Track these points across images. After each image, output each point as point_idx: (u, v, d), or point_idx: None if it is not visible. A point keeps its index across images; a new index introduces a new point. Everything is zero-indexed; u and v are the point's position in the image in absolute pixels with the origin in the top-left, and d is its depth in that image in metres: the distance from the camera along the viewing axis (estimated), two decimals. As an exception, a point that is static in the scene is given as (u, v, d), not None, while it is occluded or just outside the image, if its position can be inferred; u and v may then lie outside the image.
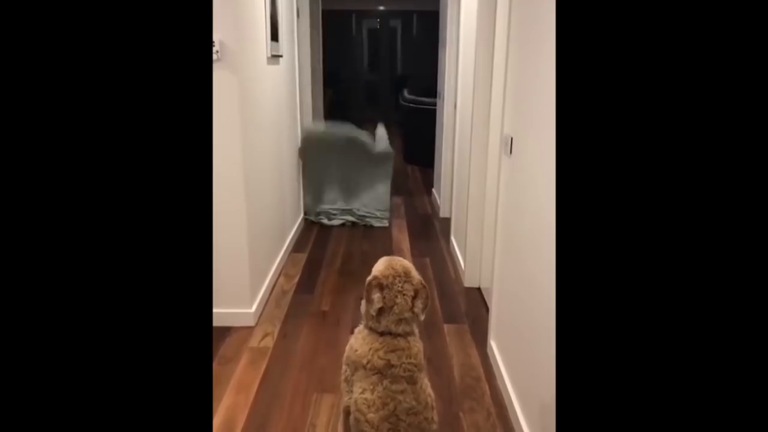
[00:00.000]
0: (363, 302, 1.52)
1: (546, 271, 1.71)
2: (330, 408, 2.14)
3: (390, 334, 1.47)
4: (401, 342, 1.47)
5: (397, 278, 1.47)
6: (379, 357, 1.45)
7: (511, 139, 2.19)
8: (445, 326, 2.82)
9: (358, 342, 1.52)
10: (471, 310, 3.02)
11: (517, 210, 2.07)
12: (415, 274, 1.52)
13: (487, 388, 2.29)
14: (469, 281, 3.31)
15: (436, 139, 5.41)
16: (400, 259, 1.55)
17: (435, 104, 5.61)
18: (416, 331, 1.54)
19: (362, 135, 4.64)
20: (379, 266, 1.52)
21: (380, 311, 1.46)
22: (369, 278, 1.49)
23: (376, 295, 1.46)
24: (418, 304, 1.49)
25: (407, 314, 1.47)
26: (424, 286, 1.50)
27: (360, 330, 1.56)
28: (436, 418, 1.49)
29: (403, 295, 1.46)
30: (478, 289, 3.28)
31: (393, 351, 1.45)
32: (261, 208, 3.00)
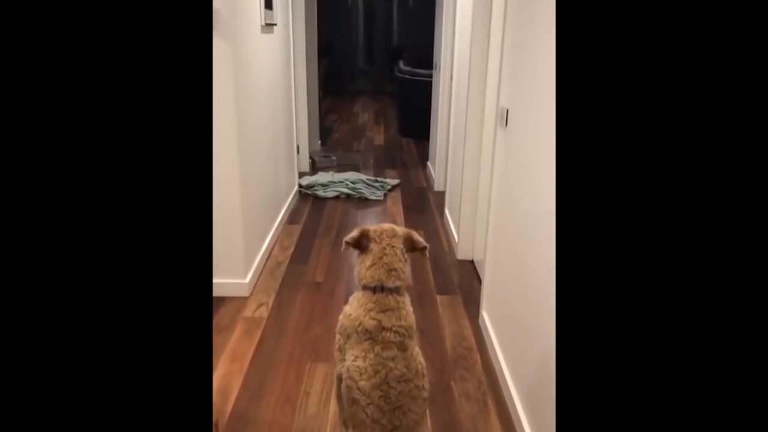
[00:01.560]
0: (357, 262, 1.59)
1: (540, 243, 1.72)
2: (324, 377, 2.17)
3: (382, 290, 1.51)
4: (392, 301, 1.50)
5: (384, 233, 1.57)
6: (371, 317, 1.48)
7: (507, 111, 2.18)
8: (438, 297, 2.85)
9: (353, 306, 1.55)
10: (464, 282, 3.05)
11: (512, 182, 2.07)
12: (400, 230, 1.60)
13: (478, 357, 2.33)
14: (462, 254, 3.33)
15: (431, 111, 5.38)
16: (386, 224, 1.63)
17: (431, 76, 5.56)
18: (407, 297, 1.58)
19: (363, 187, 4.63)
20: (366, 227, 1.61)
21: (372, 265, 1.53)
22: (356, 233, 1.57)
23: (371, 245, 1.55)
24: (413, 240, 1.60)
25: (398, 264, 1.53)
26: (410, 235, 1.61)
27: (354, 295, 1.59)
28: (427, 386, 1.52)
29: (392, 247, 1.54)
30: (471, 261, 3.31)
31: (384, 311, 1.49)
32: (255, 178, 2.99)
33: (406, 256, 1.60)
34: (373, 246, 1.57)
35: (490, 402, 2.04)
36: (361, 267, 1.59)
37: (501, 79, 2.29)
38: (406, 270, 1.58)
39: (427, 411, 1.51)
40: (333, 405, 2.00)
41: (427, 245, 1.61)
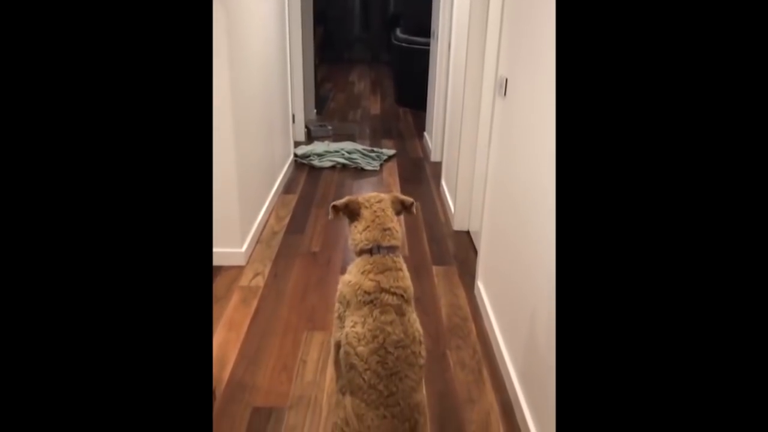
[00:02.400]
0: (350, 230, 1.63)
1: (537, 214, 1.72)
2: (320, 345, 2.19)
3: (379, 250, 1.54)
4: (389, 261, 1.53)
5: (372, 198, 1.63)
6: (369, 279, 1.50)
7: (506, 80, 2.15)
8: (434, 268, 2.86)
9: (351, 273, 1.58)
10: (459, 252, 3.06)
11: (510, 152, 2.06)
12: (385, 195, 1.65)
13: (473, 327, 2.35)
14: (458, 224, 3.33)
15: (429, 80, 5.31)
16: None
17: (428, 44, 5.46)
18: (403, 261, 1.59)
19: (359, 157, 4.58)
20: (355, 196, 1.66)
21: (365, 228, 1.58)
22: (346, 200, 1.61)
23: (361, 211, 1.60)
24: (401, 200, 1.65)
25: (391, 224, 1.58)
26: (396, 196, 1.66)
27: (352, 263, 1.61)
28: (423, 353, 1.53)
29: (382, 210, 1.60)
30: (467, 232, 3.31)
31: (383, 272, 1.51)
32: (250, 147, 2.96)
33: (396, 218, 1.63)
34: (363, 211, 1.61)
35: (484, 371, 2.07)
36: (354, 233, 1.62)
37: (500, 47, 2.26)
38: (399, 230, 1.61)
39: (423, 378, 1.53)
40: (330, 372, 2.02)
41: (412, 200, 1.65)
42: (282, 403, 1.88)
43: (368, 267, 1.53)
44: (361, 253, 1.59)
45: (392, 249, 1.57)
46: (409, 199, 1.67)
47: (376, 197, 1.63)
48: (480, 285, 2.51)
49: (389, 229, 1.58)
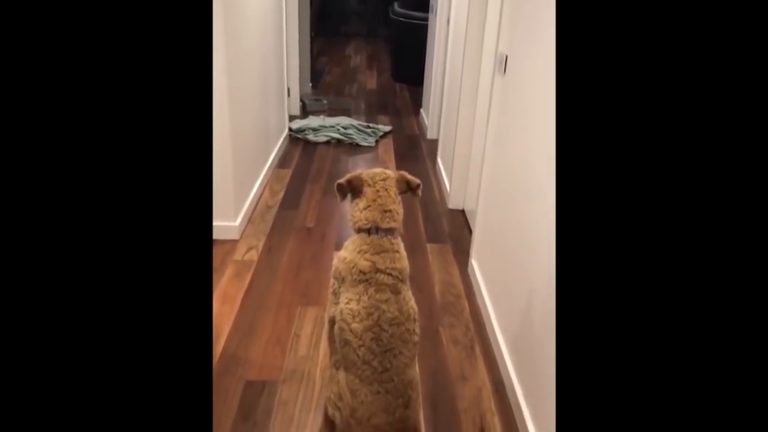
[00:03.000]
0: (351, 206, 1.61)
1: (535, 193, 1.71)
2: (314, 320, 2.20)
3: (377, 232, 1.52)
4: (386, 243, 1.52)
5: (377, 176, 1.59)
6: (365, 259, 1.50)
7: (506, 57, 2.12)
8: (428, 246, 2.86)
9: (348, 250, 1.57)
10: (454, 231, 3.06)
11: (509, 131, 2.04)
12: (392, 172, 1.62)
13: (466, 305, 2.36)
14: (453, 203, 3.32)
15: (426, 56, 5.25)
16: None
17: (427, 19, 5.38)
18: (401, 243, 1.59)
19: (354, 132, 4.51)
20: (359, 172, 1.63)
21: (366, 207, 1.55)
22: (350, 176, 1.58)
23: (364, 188, 1.57)
24: (407, 180, 1.63)
25: (392, 206, 1.56)
26: (403, 175, 1.64)
27: (349, 239, 1.60)
28: (418, 330, 1.54)
29: (386, 189, 1.57)
30: (462, 211, 3.31)
31: (379, 253, 1.50)
32: (245, 120, 2.92)
33: (399, 198, 1.61)
34: (366, 189, 1.58)
35: (477, 348, 2.08)
36: (354, 210, 1.60)
37: (501, 23, 2.22)
38: (400, 212, 1.60)
39: (416, 355, 1.54)
40: (323, 347, 2.03)
41: (419, 182, 1.63)
42: (275, 376, 1.89)
43: (365, 247, 1.52)
44: (359, 231, 1.58)
45: (390, 231, 1.56)
46: (415, 180, 1.65)
47: (382, 174, 1.60)
48: (474, 263, 2.51)
49: (390, 210, 1.56)
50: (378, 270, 1.50)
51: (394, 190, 1.61)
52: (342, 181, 1.61)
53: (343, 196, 1.64)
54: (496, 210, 2.17)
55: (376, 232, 1.55)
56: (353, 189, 1.62)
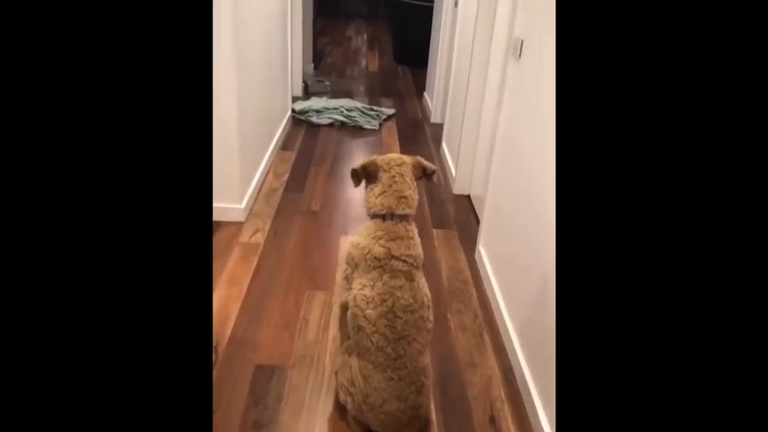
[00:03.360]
0: (365, 192, 1.60)
1: (546, 181, 1.70)
2: (322, 305, 2.19)
3: (392, 218, 1.51)
4: (401, 229, 1.51)
5: (392, 161, 1.57)
6: (380, 245, 1.49)
7: (522, 42, 2.09)
8: (434, 231, 2.85)
9: (361, 236, 1.56)
10: (459, 216, 3.04)
11: (522, 117, 2.02)
12: (407, 157, 1.61)
13: (474, 291, 2.36)
14: (459, 188, 3.30)
15: (431, 39, 5.18)
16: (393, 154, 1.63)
17: (431, 0, 5.30)
18: (415, 229, 1.58)
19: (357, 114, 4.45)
20: (374, 156, 1.61)
21: (381, 193, 1.54)
22: (366, 162, 1.56)
23: (379, 174, 1.55)
24: (423, 166, 1.62)
25: (408, 192, 1.55)
26: (419, 160, 1.63)
27: (363, 225, 1.59)
28: (431, 317, 1.53)
29: (401, 175, 1.55)
30: (468, 196, 3.29)
31: (394, 240, 1.49)
32: (251, 100, 2.88)
33: (415, 184, 1.59)
34: (382, 174, 1.57)
35: (486, 335, 2.08)
36: (369, 195, 1.58)
37: (516, 6, 2.18)
38: (416, 198, 1.58)
39: (429, 342, 1.53)
40: (332, 332, 2.03)
41: (435, 168, 1.62)
42: (284, 361, 1.88)
43: (380, 233, 1.51)
44: (373, 216, 1.57)
45: (405, 217, 1.55)
46: (432, 166, 1.64)
47: (398, 159, 1.58)
48: (482, 250, 2.50)
49: (405, 196, 1.55)
50: (393, 256, 1.49)
51: (410, 176, 1.59)
52: (357, 166, 1.59)
53: (358, 182, 1.62)
54: (507, 197, 2.15)
55: (391, 218, 1.54)
56: (368, 174, 1.60)
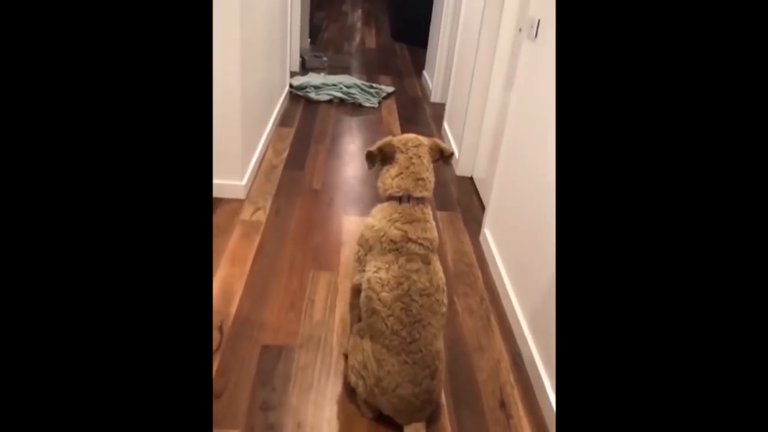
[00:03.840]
0: (381, 173, 1.56)
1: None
2: (327, 285, 2.16)
3: (408, 200, 1.48)
4: (418, 212, 1.48)
5: (410, 142, 1.53)
6: (396, 228, 1.46)
7: (539, 21, 2.03)
8: (438, 213, 2.82)
9: (376, 218, 1.52)
10: (463, 198, 3.01)
11: (535, 100, 1.98)
12: (425, 139, 1.56)
13: (479, 274, 2.34)
14: (462, 170, 3.27)
15: (432, 16, 5.09)
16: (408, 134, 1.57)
17: (433, -23, 5.19)
18: (431, 212, 1.55)
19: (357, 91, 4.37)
20: (389, 137, 1.56)
21: (398, 174, 1.50)
22: (382, 143, 1.53)
23: (396, 155, 1.51)
24: (441, 148, 1.57)
25: (425, 174, 1.51)
26: (437, 142, 1.57)
27: (377, 207, 1.56)
28: (446, 301, 1.51)
29: (419, 156, 1.51)
30: (470, 178, 3.26)
31: (410, 222, 1.47)
32: (254, 74, 2.80)
33: (432, 166, 1.55)
34: (399, 155, 1.53)
35: (493, 319, 2.07)
36: (385, 177, 1.54)
37: (533, -15, 2.12)
38: (432, 180, 1.55)
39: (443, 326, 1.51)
40: (338, 313, 2.00)
41: (453, 151, 1.58)
42: (291, 341, 1.85)
43: (396, 215, 1.48)
44: (389, 198, 1.53)
45: (422, 200, 1.51)
46: (449, 148, 1.60)
47: (415, 140, 1.54)
48: (487, 233, 2.48)
49: (423, 179, 1.51)
50: (410, 239, 1.46)
51: (427, 158, 1.55)
52: (373, 148, 1.54)
53: (373, 165, 1.58)
54: (515, 179, 2.12)
55: (408, 201, 1.50)
56: (384, 156, 1.55)
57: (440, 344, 1.51)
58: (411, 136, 1.57)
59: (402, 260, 1.45)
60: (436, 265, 1.51)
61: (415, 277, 1.44)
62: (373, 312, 1.47)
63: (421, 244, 1.47)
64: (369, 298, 1.48)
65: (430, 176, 1.54)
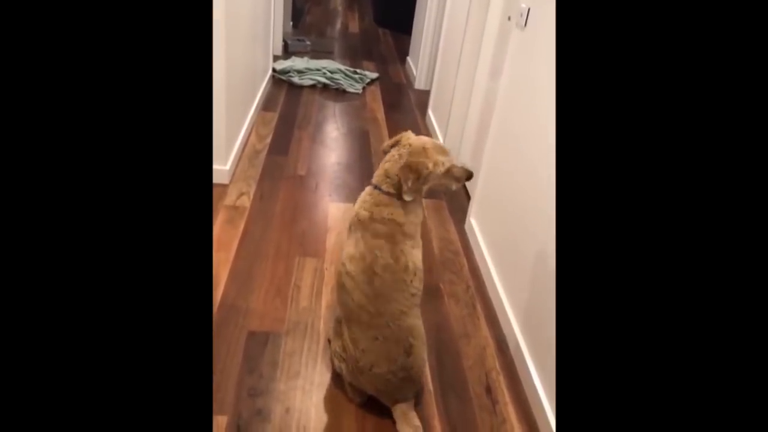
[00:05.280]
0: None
1: (550, 153, 1.68)
2: (313, 271, 2.15)
3: (380, 189, 1.52)
4: (385, 198, 1.50)
5: (404, 140, 1.54)
6: (364, 209, 1.51)
7: (528, 10, 2.04)
8: (423, 201, 2.82)
9: (357, 202, 1.58)
10: (447, 186, 3.02)
11: (526, 89, 1.98)
12: (415, 148, 1.50)
13: (465, 262, 2.36)
14: (446, 157, 3.27)
15: (417, 3, 5.05)
16: (427, 138, 1.56)
17: (419, -38, 5.15)
18: (410, 204, 1.54)
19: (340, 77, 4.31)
20: (407, 132, 1.60)
21: (381, 166, 1.55)
22: (393, 140, 1.58)
23: (392, 150, 1.55)
24: (409, 180, 1.49)
25: (393, 176, 1.50)
26: (412, 168, 1.48)
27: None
28: (417, 284, 1.51)
29: (400, 156, 1.51)
30: (455, 166, 3.26)
31: (377, 205, 1.50)
32: (237, 58, 2.75)
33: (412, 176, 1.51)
34: (392, 150, 1.58)
35: (478, 306, 2.09)
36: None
37: (523, -27, 2.12)
38: (407, 181, 1.50)
39: (419, 311, 1.52)
40: (325, 299, 2.00)
41: (468, 175, 1.60)
42: (278, 328, 1.84)
43: (368, 198, 1.54)
44: (373, 185, 1.56)
45: (389, 193, 1.53)
46: (464, 172, 1.60)
47: (407, 142, 1.54)
48: (473, 221, 2.49)
49: (390, 177, 1.52)
50: (374, 219, 1.49)
51: (399, 163, 1.52)
52: (386, 145, 1.61)
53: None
54: (503, 168, 2.13)
55: (379, 190, 1.53)
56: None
57: (413, 321, 1.52)
58: (417, 140, 1.55)
59: (367, 236, 1.49)
60: (406, 248, 1.51)
61: (378, 253, 1.48)
62: (342, 287, 1.52)
63: (384, 224, 1.49)
64: (339, 273, 1.54)
65: (396, 177, 1.50)
